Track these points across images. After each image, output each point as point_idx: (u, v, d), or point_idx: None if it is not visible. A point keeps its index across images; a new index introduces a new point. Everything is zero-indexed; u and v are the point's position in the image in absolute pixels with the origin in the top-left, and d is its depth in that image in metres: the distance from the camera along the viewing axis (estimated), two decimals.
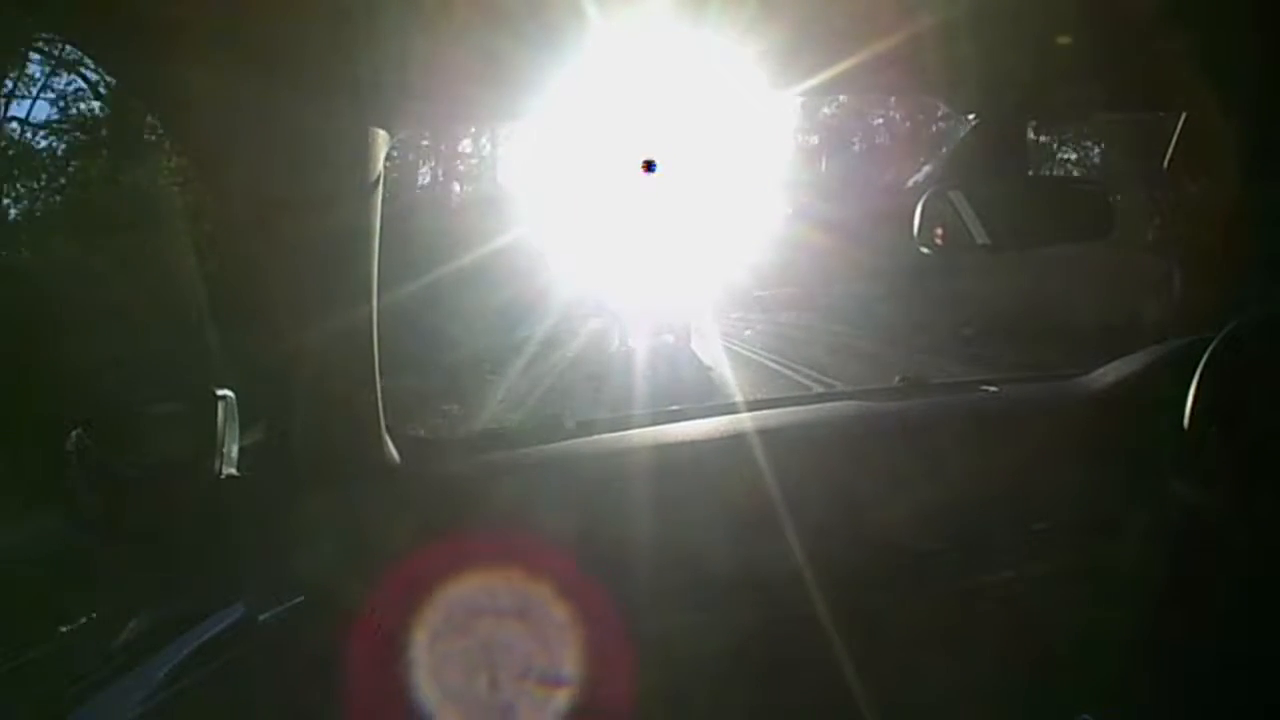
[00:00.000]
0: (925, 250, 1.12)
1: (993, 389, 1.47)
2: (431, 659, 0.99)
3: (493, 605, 1.04)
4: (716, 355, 10.65)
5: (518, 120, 1.07)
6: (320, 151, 0.88)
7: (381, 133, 0.94)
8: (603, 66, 0.90)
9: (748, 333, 14.59)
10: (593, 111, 1.07)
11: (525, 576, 1.06)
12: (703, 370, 9.52)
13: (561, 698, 1.03)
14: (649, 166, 1.13)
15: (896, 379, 1.53)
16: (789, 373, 8.89)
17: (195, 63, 0.76)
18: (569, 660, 1.03)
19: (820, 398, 1.61)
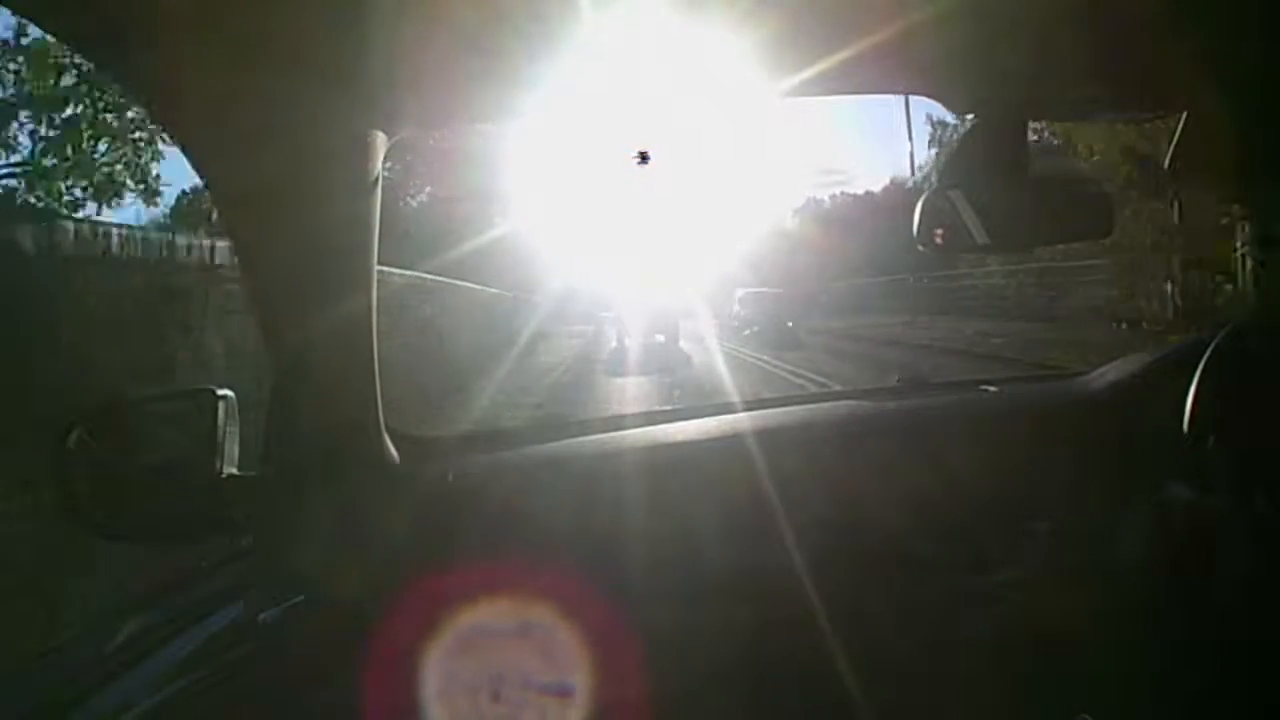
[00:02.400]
0: (924, 250, 1.12)
1: (992, 389, 1.47)
2: (435, 671, 0.99)
3: (495, 615, 1.05)
4: (714, 363, 10.97)
5: (518, 119, 1.07)
6: (319, 153, 0.88)
7: (380, 134, 0.94)
8: (601, 61, 0.90)
9: (746, 333, 14.84)
10: (590, 106, 1.07)
11: (528, 584, 1.06)
12: (686, 359, 11.78)
13: (567, 707, 1.03)
14: (644, 158, 1.13)
15: (896, 379, 1.53)
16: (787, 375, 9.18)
17: (193, 62, 0.76)
18: (576, 669, 1.02)
19: (819, 397, 1.61)
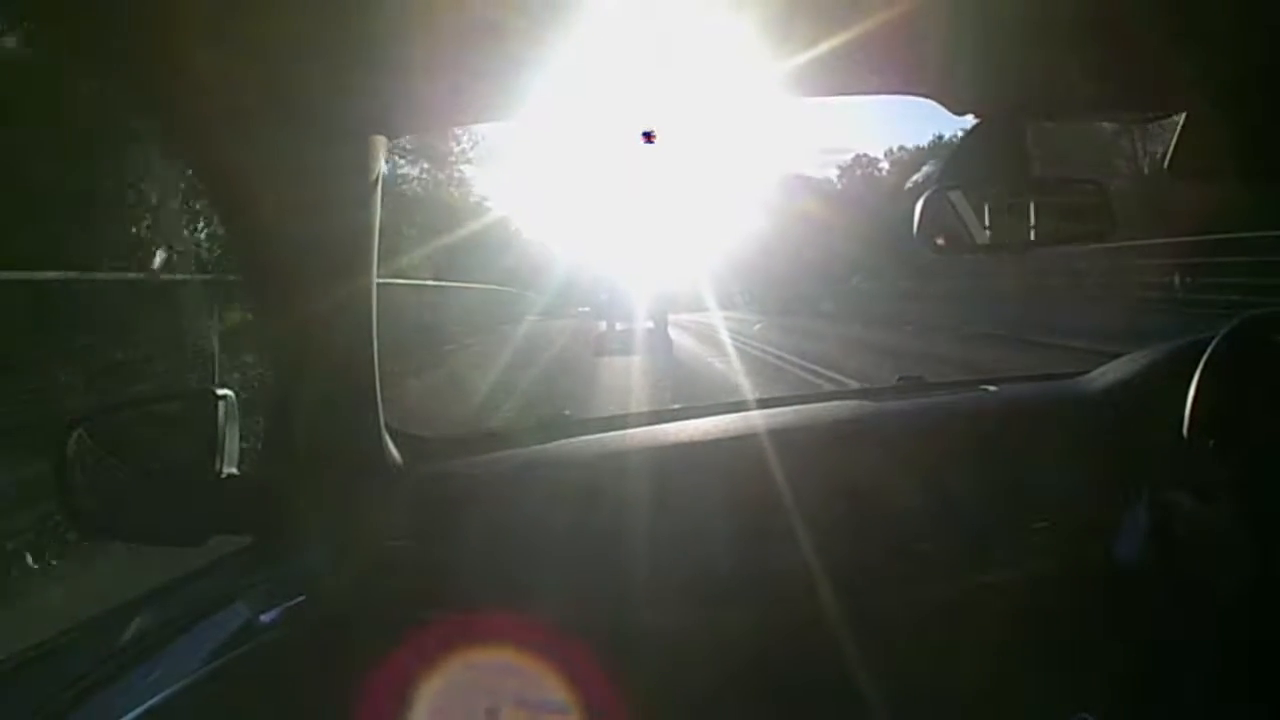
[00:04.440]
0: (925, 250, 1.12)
1: (992, 389, 1.47)
2: (435, 673, 0.99)
3: (496, 617, 1.05)
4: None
5: (521, 116, 1.07)
6: (319, 156, 0.88)
7: (380, 137, 0.94)
8: (602, 54, 0.89)
9: (757, 327, 15.18)
10: (592, 99, 1.07)
11: (529, 586, 1.06)
12: (669, 341, 13.09)
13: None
14: (648, 137, 1.13)
15: (896, 379, 1.53)
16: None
17: (193, 67, 0.76)
18: (576, 675, 1.02)
19: (820, 397, 1.61)
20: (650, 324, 14.86)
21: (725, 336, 12.96)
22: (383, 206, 0.98)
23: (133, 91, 0.79)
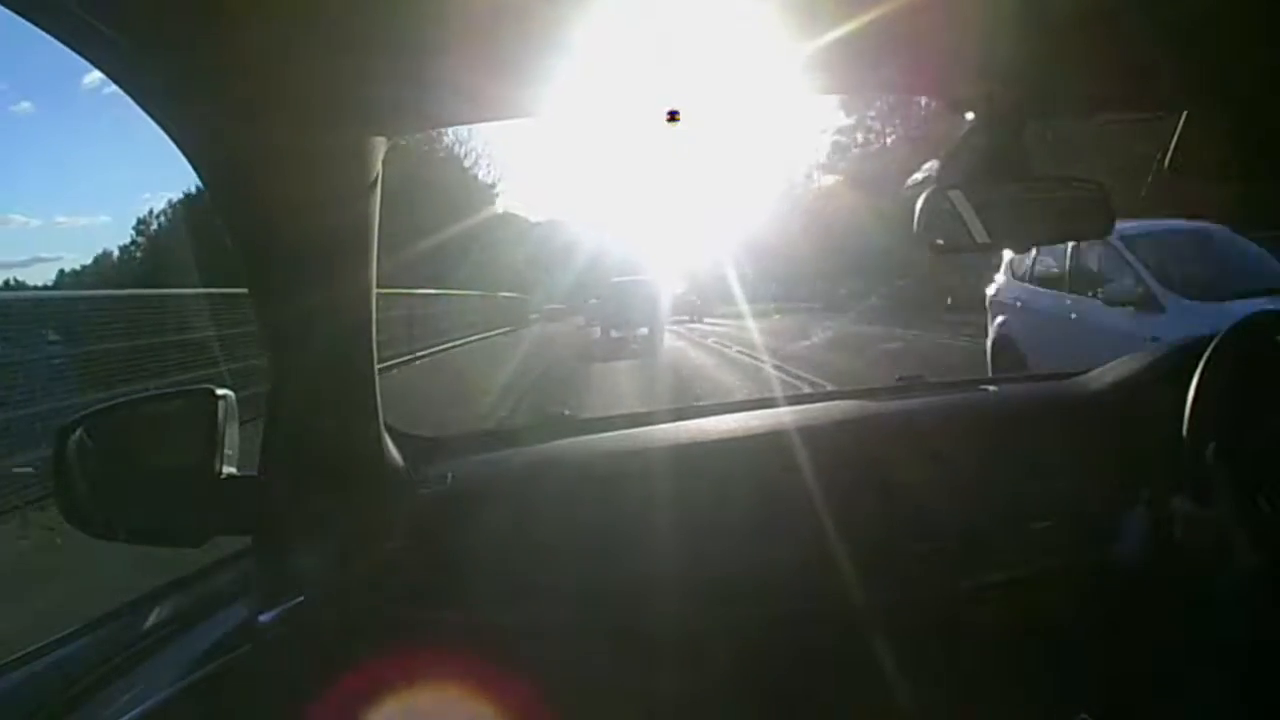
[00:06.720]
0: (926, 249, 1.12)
1: (992, 388, 1.48)
2: (435, 673, 0.99)
3: (497, 617, 1.05)
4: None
5: (525, 116, 1.07)
6: (318, 155, 0.88)
7: (380, 138, 0.94)
8: (608, 55, 0.89)
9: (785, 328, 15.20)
10: (597, 104, 1.07)
11: (530, 585, 1.06)
12: (659, 345, 13.84)
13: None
14: (673, 116, 1.10)
15: (896, 378, 1.53)
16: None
17: (192, 66, 0.76)
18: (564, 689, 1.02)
19: (821, 397, 1.61)
20: (645, 330, 14.79)
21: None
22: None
23: (132, 87, 0.78)
